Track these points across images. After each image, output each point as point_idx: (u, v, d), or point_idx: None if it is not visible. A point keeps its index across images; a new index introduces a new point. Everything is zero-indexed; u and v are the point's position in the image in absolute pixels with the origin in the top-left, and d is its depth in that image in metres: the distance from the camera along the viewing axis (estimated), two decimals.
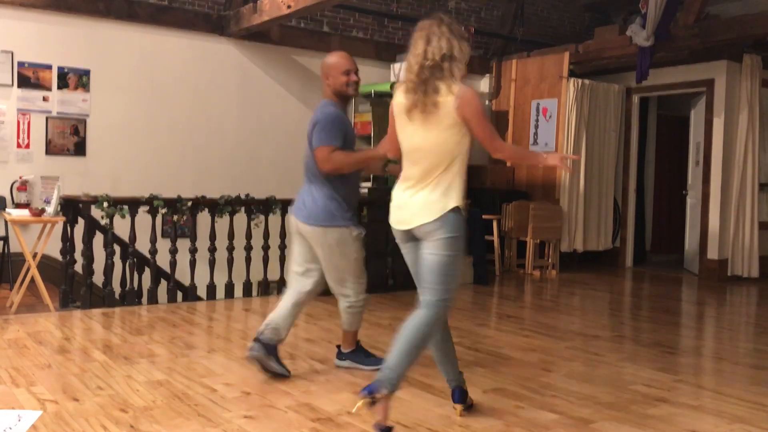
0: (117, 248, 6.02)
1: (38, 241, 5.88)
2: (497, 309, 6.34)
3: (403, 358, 2.85)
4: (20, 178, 6.64)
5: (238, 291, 6.36)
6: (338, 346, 4.09)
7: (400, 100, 3.05)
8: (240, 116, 7.88)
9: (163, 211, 5.96)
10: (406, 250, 3.11)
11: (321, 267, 3.80)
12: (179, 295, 6.17)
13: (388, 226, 3.15)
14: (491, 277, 7.74)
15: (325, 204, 3.67)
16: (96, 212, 5.82)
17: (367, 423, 3.09)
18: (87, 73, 7.00)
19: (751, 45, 7.98)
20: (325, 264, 3.76)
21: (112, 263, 5.76)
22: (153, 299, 5.91)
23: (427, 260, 2.96)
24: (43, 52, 6.79)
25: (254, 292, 6.45)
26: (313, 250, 3.76)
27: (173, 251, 5.99)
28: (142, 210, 5.91)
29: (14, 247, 6.31)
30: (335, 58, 3.80)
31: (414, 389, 3.62)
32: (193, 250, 6.10)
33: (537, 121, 8.87)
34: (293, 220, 3.80)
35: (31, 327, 4.84)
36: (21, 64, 6.70)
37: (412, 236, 3.03)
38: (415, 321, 2.92)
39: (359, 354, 4.02)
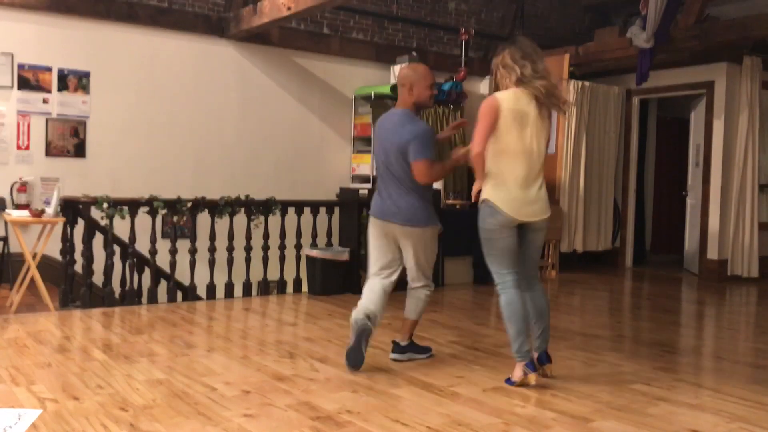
0: (117, 249, 6.03)
1: (38, 242, 5.88)
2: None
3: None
4: (20, 179, 6.64)
5: (238, 291, 6.36)
6: (395, 342, 4.21)
7: (519, 107, 3.57)
8: (240, 118, 7.89)
9: (163, 212, 5.97)
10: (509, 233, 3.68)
11: (402, 263, 4.12)
12: (179, 294, 6.17)
13: None
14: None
15: (424, 207, 4.02)
16: (96, 213, 5.83)
17: (367, 422, 3.10)
18: (87, 74, 7.01)
19: (751, 47, 7.99)
20: (415, 259, 4.08)
21: (112, 263, 5.76)
22: (153, 299, 5.91)
23: (538, 243, 3.80)
24: (43, 53, 6.80)
25: (254, 292, 6.45)
26: (400, 248, 4.08)
27: (173, 251, 6.00)
28: (142, 211, 5.92)
29: (14, 248, 6.32)
30: (423, 70, 4.04)
31: (414, 388, 3.62)
32: (193, 251, 6.10)
33: None
34: (385, 224, 4.03)
35: (31, 326, 4.85)
36: (21, 66, 6.71)
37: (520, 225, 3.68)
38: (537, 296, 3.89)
39: (413, 345, 4.23)
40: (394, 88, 8.08)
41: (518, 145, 3.58)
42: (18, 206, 6.44)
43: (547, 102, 3.63)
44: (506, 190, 3.61)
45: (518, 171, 3.60)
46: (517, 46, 3.65)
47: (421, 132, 3.92)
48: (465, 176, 8.82)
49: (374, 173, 4.18)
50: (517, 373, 3.67)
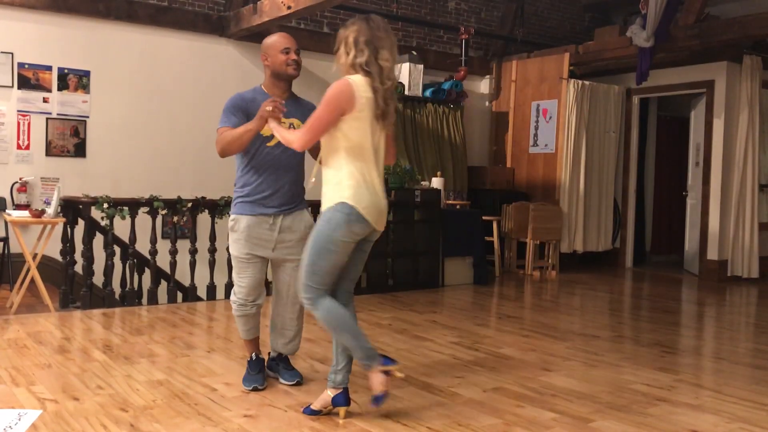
0: (117, 249, 6.02)
1: (38, 242, 5.88)
2: (497, 309, 6.33)
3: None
4: (20, 179, 6.64)
5: None
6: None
7: (369, 95, 3.06)
8: None
9: (163, 212, 5.96)
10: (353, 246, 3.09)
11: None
12: (179, 295, 6.17)
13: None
14: (491, 277, 7.74)
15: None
16: (96, 213, 5.82)
17: (367, 422, 3.10)
18: (87, 74, 7.01)
19: (751, 46, 7.99)
20: None
21: (112, 264, 5.76)
22: (153, 300, 5.91)
23: (365, 256, 3.24)
24: (44, 53, 6.80)
25: None
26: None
27: (173, 252, 5.99)
28: (142, 211, 5.91)
29: (14, 248, 6.32)
30: (275, 37, 3.60)
31: (414, 389, 3.62)
32: (193, 251, 6.10)
33: (537, 122, 8.88)
34: None
35: (31, 327, 4.85)
36: (21, 65, 6.71)
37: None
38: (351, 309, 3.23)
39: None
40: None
41: (371, 142, 3.07)
42: (18, 206, 6.44)
43: (382, 105, 3.07)
44: (368, 195, 3.04)
45: (374, 174, 3.08)
46: (369, 26, 3.06)
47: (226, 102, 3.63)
48: (465, 176, 8.82)
49: None
50: (379, 381, 3.10)
